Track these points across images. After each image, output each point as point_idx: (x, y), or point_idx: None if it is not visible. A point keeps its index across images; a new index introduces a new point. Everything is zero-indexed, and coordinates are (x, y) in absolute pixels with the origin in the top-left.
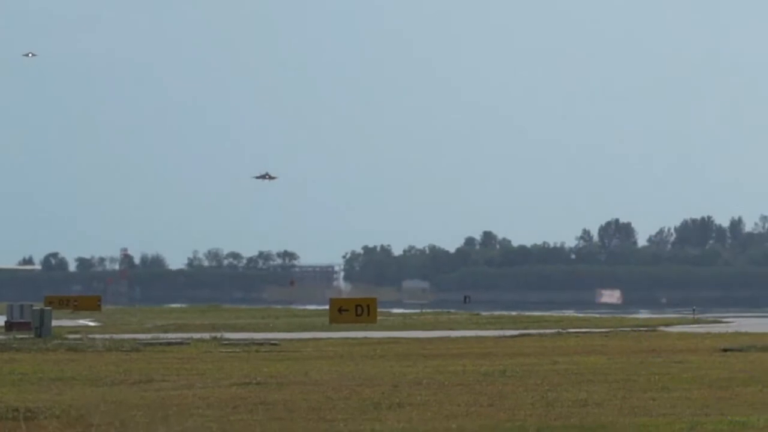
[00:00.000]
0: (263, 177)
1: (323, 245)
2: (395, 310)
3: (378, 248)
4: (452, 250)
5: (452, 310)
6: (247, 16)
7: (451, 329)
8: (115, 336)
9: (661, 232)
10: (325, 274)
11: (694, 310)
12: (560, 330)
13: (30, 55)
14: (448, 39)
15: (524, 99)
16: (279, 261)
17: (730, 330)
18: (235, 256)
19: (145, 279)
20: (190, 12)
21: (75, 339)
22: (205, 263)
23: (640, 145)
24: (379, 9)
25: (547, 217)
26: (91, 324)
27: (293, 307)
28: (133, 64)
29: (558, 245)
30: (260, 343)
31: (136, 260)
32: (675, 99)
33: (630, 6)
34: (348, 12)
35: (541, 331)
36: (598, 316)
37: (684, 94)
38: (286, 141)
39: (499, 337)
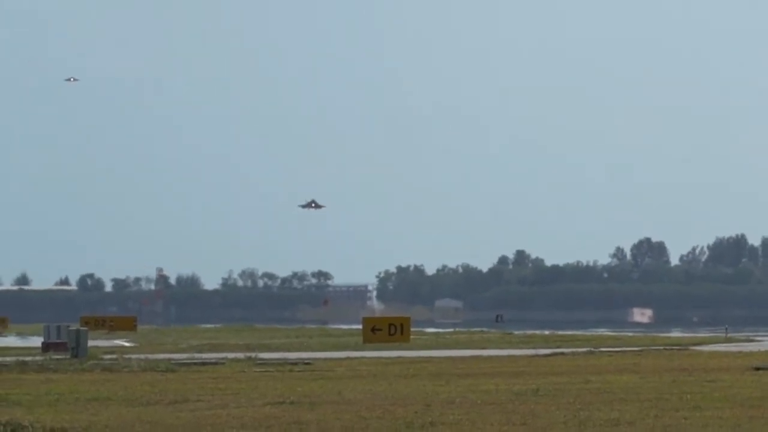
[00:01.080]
0: (309, 205)
1: (357, 265)
2: (428, 329)
3: (411, 268)
4: (485, 269)
5: (485, 329)
6: (285, 47)
7: (483, 348)
8: (150, 356)
9: (693, 250)
10: (358, 293)
11: (726, 328)
12: (592, 349)
13: (72, 79)
14: (480, 66)
15: (556, 120)
16: (313, 281)
17: (762, 349)
18: (270, 276)
19: (180, 299)
20: (233, 40)
21: (111, 359)
22: (240, 283)
23: (672, 164)
24: (416, 41)
25: (580, 236)
26: (127, 344)
27: (327, 326)
28: (169, 88)
29: (591, 264)
30: (294, 363)
31: (172, 280)
32: (708, 118)
33: (667, 30)
34: (380, 44)
35: (574, 349)
36: (630, 334)
37: (717, 113)
38: (319, 162)
39: (532, 356)
